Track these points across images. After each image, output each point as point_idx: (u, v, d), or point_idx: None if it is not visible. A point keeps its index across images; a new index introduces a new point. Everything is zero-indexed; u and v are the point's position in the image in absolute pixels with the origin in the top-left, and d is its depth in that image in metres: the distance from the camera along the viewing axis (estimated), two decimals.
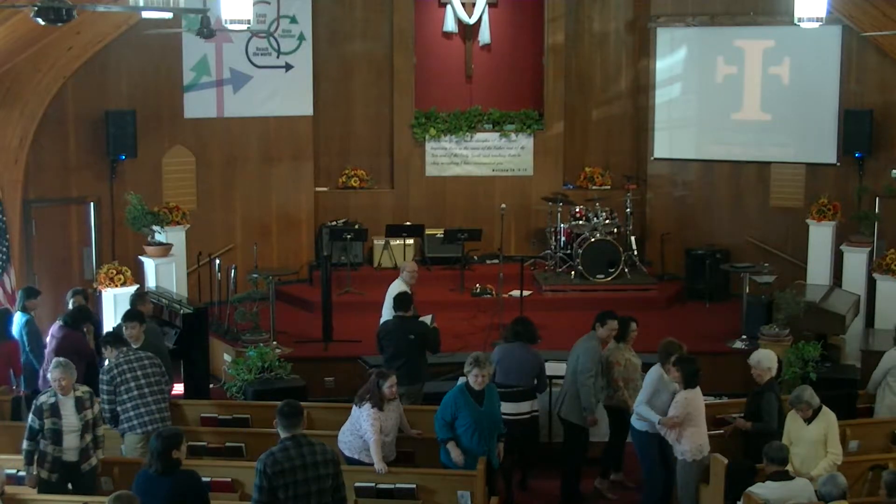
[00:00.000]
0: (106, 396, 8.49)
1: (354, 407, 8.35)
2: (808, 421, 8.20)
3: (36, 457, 7.96)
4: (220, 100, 14.51)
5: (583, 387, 9.10)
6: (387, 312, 10.58)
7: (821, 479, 7.11)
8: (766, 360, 8.76)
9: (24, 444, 7.98)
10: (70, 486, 8.02)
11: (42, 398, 8.01)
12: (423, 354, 10.10)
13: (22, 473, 8.02)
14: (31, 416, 8.03)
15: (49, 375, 8.10)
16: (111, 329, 9.05)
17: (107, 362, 8.67)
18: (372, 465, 8.02)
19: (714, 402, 9.73)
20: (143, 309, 10.09)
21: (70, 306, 10.56)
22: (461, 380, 9.86)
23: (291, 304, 14.23)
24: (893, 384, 9.64)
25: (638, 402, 8.78)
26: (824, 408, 8.26)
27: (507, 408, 8.81)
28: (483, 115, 15.65)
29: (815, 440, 8.13)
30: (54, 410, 7.92)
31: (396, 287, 10.77)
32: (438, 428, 8.22)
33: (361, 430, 8.17)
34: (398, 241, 14.71)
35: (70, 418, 7.93)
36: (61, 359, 8.25)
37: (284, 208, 15.16)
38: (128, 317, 9.42)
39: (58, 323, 10.13)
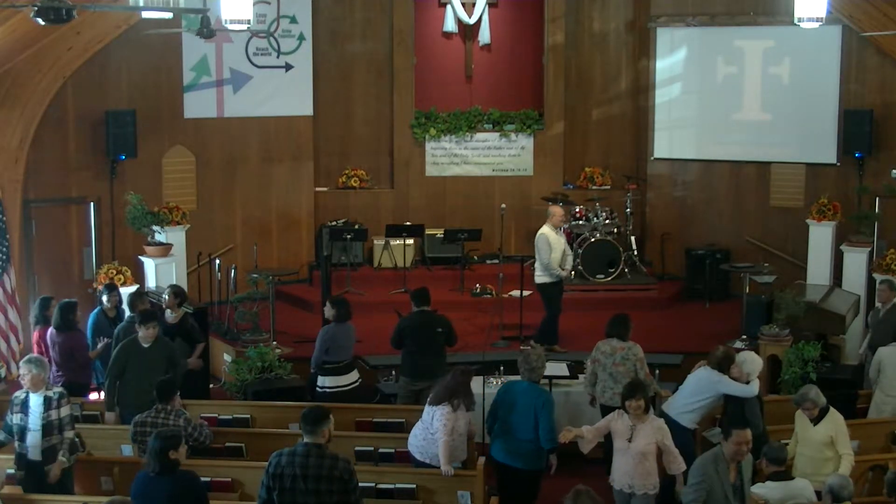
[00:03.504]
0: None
1: (429, 407, 8.33)
2: (815, 422, 8.13)
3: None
4: (220, 100, 14.50)
5: None
6: (541, 255, 11.83)
7: (834, 479, 6.99)
8: (748, 363, 8.75)
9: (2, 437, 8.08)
10: (40, 486, 7.99)
11: (16, 393, 8.07)
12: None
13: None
14: (7, 412, 8.11)
15: (20, 370, 8.12)
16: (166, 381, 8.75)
17: (139, 416, 8.39)
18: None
19: None
20: (142, 308, 10.10)
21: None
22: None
23: (291, 304, 14.23)
24: (882, 381, 9.69)
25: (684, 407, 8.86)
26: (832, 409, 8.19)
27: (337, 381, 10.02)
28: (483, 115, 15.64)
29: (821, 442, 8.05)
30: (23, 407, 7.97)
31: (546, 232, 11.85)
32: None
33: (433, 428, 8.18)
34: (398, 241, 14.69)
35: (34, 416, 7.95)
36: (32, 355, 8.29)
37: (284, 208, 15.16)
38: (147, 318, 9.34)
39: (51, 329, 10.15)
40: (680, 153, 15.44)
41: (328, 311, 10.28)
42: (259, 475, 6.77)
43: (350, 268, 14.49)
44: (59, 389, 8.15)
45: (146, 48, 13.47)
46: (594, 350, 9.67)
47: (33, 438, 7.95)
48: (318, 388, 10.20)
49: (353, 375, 10.29)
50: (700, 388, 8.86)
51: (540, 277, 12.02)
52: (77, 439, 8.32)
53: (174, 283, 11.85)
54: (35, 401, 7.96)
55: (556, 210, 12.16)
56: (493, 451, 8.46)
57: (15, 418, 7.97)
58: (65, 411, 8.07)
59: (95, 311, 10.85)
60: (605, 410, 9.47)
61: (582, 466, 9.86)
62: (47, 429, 7.95)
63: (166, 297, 10.66)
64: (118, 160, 13.56)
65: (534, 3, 15.65)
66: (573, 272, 13.41)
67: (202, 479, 7.33)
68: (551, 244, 11.85)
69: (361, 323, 12.44)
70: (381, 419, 9.53)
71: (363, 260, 15.15)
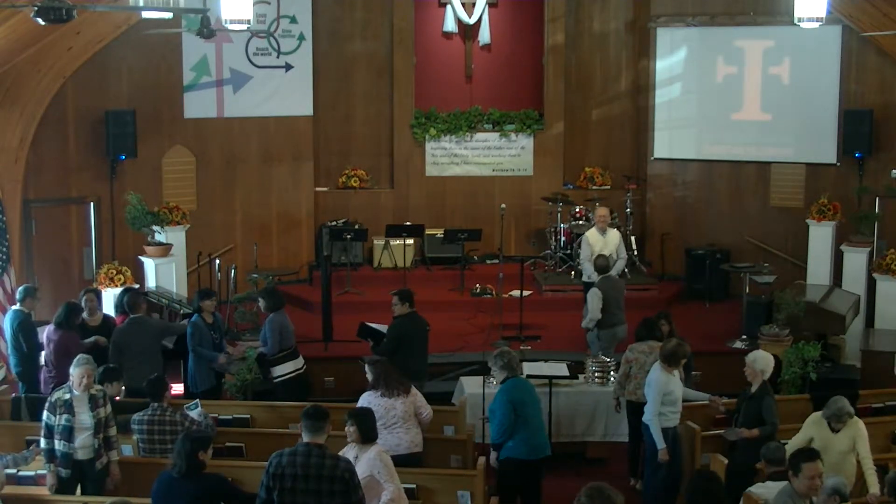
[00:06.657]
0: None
1: (387, 400, 8.27)
2: (836, 430, 8.02)
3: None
4: (220, 100, 14.51)
5: None
6: (585, 262, 12.07)
7: (837, 479, 6.94)
8: (760, 361, 8.68)
9: (43, 443, 7.91)
10: (81, 484, 7.95)
11: (57, 394, 7.94)
12: None
13: (23, 473, 8.00)
14: (45, 412, 7.93)
15: (72, 371, 8.00)
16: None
17: (137, 415, 8.30)
18: None
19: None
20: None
21: (83, 305, 10.50)
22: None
23: (291, 304, 14.13)
24: None
25: (652, 412, 8.78)
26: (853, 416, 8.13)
27: (295, 364, 10.38)
28: (483, 115, 15.65)
29: (843, 451, 7.96)
30: (68, 407, 7.87)
31: (588, 233, 12.18)
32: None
33: (395, 418, 8.23)
34: (398, 241, 14.69)
35: (83, 416, 7.88)
36: (84, 355, 8.17)
37: (284, 208, 15.16)
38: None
39: (51, 325, 10.12)
40: (680, 153, 15.45)
41: (262, 304, 10.58)
42: (259, 475, 6.75)
43: (350, 268, 14.49)
44: (100, 387, 8.08)
45: (146, 48, 13.49)
46: (628, 351, 9.69)
47: (85, 438, 7.87)
48: (278, 377, 10.32)
49: (301, 360, 10.57)
50: (659, 388, 8.80)
51: (584, 276, 12.27)
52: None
53: (92, 287, 11.59)
54: (82, 400, 7.86)
55: (598, 211, 12.41)
56: (516, 451, 8.20)
57: (60, 419, 7.83)
58: (108, 408, 8.06)
59: (193, 318, 10.42)
60: (631, 407, 9.52)
61: (582, 466, 9.92)
62: (98, 426, 7.91)
63: (85, 300, 10.44)
64: (118, 160, 13.57)
65: (534, 3, 15.66)
66: (573, 273, 13.17)
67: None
68: (590, 244, 12.07)
69: None
70: None
71: (363, 260, 15.15)
